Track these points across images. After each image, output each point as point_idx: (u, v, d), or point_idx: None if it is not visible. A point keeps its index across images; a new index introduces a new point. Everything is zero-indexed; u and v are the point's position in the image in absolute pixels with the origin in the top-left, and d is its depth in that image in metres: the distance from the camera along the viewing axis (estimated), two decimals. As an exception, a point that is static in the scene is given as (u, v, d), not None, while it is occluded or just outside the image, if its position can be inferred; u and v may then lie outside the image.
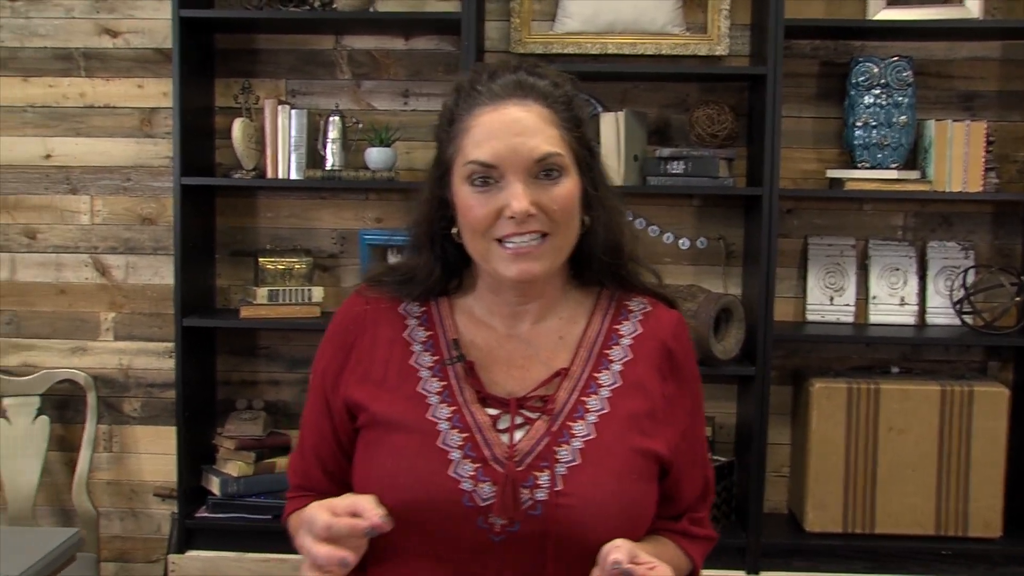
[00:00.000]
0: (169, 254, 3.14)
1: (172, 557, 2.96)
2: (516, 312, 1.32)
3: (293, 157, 2.95)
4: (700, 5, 3.01)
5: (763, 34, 2.82)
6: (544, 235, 1.24)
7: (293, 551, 3.02)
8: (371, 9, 2.97)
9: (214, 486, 2.99)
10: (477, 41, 2.85)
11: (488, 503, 1.21)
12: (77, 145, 3.17)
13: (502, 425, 1.25)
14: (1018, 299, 2.90)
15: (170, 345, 3.16)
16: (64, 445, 3.22)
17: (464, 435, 1.24)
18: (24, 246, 3.20)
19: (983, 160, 2.83)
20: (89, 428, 3.13)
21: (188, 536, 2.99)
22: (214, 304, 3.18)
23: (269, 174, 2.97)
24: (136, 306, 3.21)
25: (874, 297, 3.02)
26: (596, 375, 1.29)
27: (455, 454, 1.23)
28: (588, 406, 1.27)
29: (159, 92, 3.14)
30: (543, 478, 1.21)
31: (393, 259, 2.94)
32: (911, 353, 3.08)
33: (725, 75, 3.00)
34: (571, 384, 1.28)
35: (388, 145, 2.98)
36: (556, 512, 1.20)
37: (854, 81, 2.88)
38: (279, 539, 2.90)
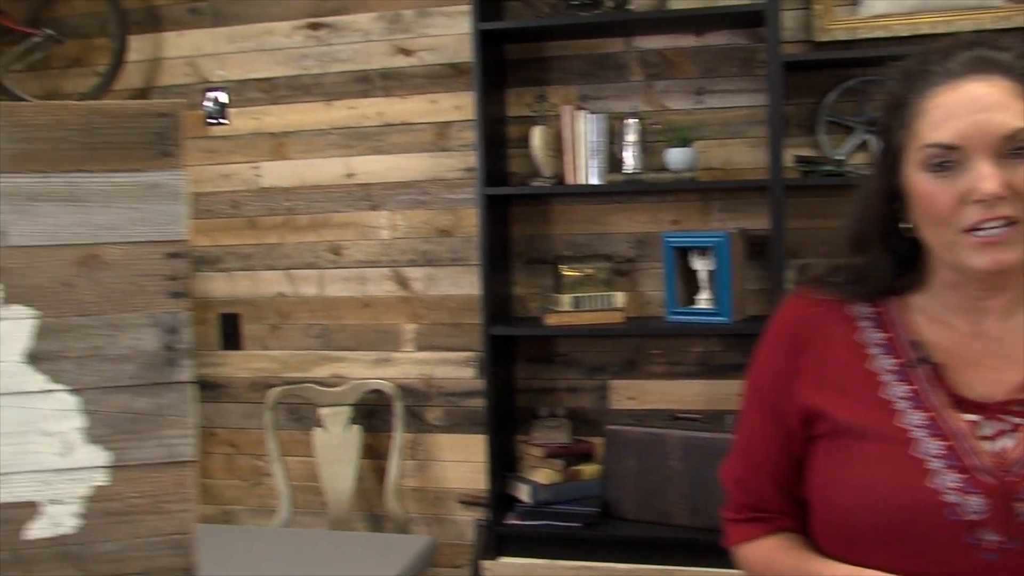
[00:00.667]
0: (466, 264, 3.21)
1: (485, 563, 3.00)
2: (979, 308, 1.21)
3: (593, 162, 2.94)
4: (1024, -26, 2.80)
5: (1104, 0, 2.58)
6: (1013, 222, 1.13)
7: (603, 559, 2.97)
8: (665, 7, 2.92)
9: (523, 493, 3.01)
10: (777, 32, 2.75)
11: (977, 517, 1.11)
12: (377, 162, 3.28)
13: (983, 432, 1.16)
14: None
15: (469, 355, 3.23)
16: (373, 452, 3.34)
17: (943, 443, 1.15)
18: (331, 262, 3.35)
19: None
20: (397, 436, 3.23)
21: (499, 542, 3.02)
22: (513, 312, 3.21)
23: (569, 180, 2.97)
24: (436, 317, 3.28)
25: None
26: None
27: (935, 463, 1.14)
28: None
29: (451, 106, 3.21)
30: None
31: (698, 263, 2.88)
32: None
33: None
34: None
35: (688, 145, 2.92)
36: None
37: None
38: (590, 547, 2.92)
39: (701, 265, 2.89)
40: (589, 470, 3.04)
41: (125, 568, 1.14)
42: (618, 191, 3.02)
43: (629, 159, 2.94)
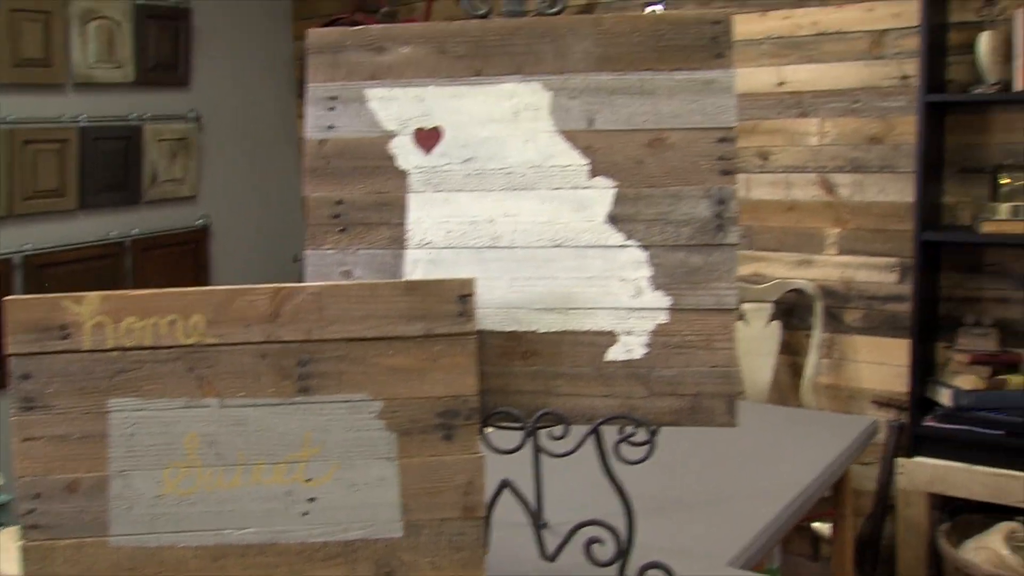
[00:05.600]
0: (895, 172, 3.27)
1: (901, 461, 3.11)
2: None
3: (1045, 68, 2.87)
4: None
5: None
6: None
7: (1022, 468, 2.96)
8: None
9: (943, 397, 3.07)
10: None
11: None
12: (809, 71, 3.40)
13: None
14: None
15: (892, 260, 3.30)
16: (790, 349, 3.52)
17: None
18: (758, 167, 3.53)
19: None
20: (815, 335, 3.39)
21: (915, 443, 3.11)
22: (941, 221, 3.23)
23: (1017, 87, 2.92)
24: (860, 222, 3.37)
25: None
26: None
27: None
28: None
29: (888, 14, 3.24)
30: None
31: None
32: None
33: None
34: None
35: None
36: None
37: None
38: (1011, 455, 2.93)
39: None
40: (1015, 380, 3.04)
41: (681, 390, 1.42)
42: (1071, 98, 2.94)
43: (1088, 64, 2.84)
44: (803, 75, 3.41)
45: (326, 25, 2.45)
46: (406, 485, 1.39)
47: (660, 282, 1.43)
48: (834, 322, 3.46)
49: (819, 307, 3.40)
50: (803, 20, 3.39)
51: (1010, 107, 3.09)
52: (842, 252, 3.42)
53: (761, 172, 3.53)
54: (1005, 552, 2.83)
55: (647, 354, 1.43)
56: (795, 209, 3.49)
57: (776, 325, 3.46)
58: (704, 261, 1.42)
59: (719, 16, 1.45)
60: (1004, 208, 2.96)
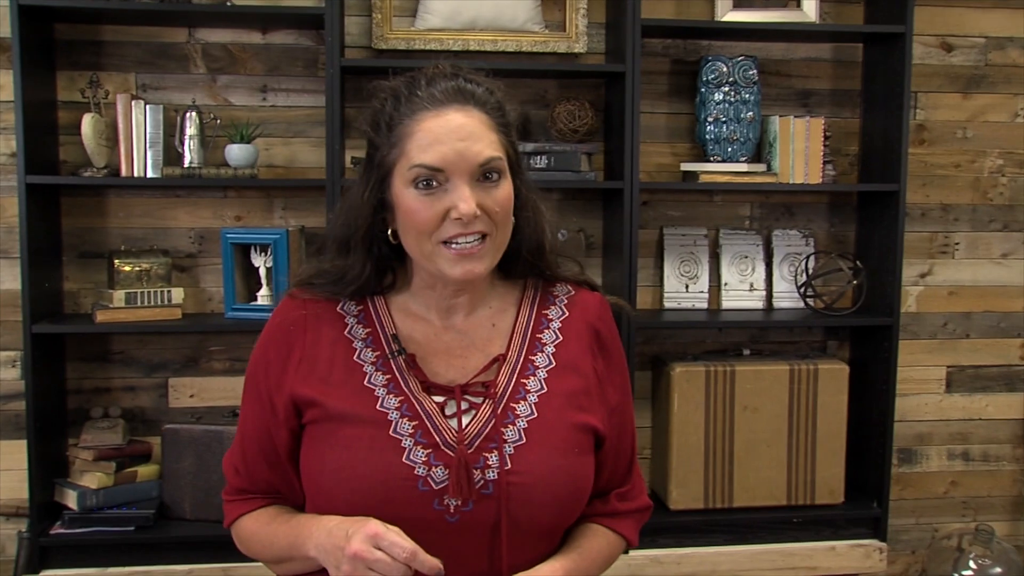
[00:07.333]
0: (8, 257, 2.98)
1: (27, 577, 2.80)
2: (450, 306, 1.37)
3: (149, 154, 2.84)
4: (558, 4, 3.09)
5: (620, 33, 2.92)
6: (484, 236, 1.27)
7: (159, 562, 2.90)
8: (228, 3, 2.89)
9: (70, 500, 2.84)
10: (339, 37, 2.82)
11: (442, 486, 1.25)
12: (-101, 143, 2.95)
13: (449, 411, 1.29)
14: (854, 282, 3.13)
15: (12, 354, 3.01)
16: None
17: (414, 423, 1.27)
18: None
19: (822, 154, 3.04)
20: (-76, 446, 2.93)
21: (42, 554, 2.83)
22: (63, 309, 3.02)
23: (124, 172, 2.85)
24: (-26, 314, 3.01)
25: (726, 284, 3.19)
26: (532, 358, 1.35)
27: (407, 441, 1.26)
28: (528, 387, 1.33)
29: (-8, 86, 2.96)
30: (492, 458, 1.26)
31: (258, 259, 2.89)
32: (759, 335, 3.27)
33: (585, 72, 3.09)
34: (509, 368, 1.34)
35: (248, 142, 2.91)
36: (507, 490, 1.25)
37: (705, 79, 3.02)
38: (144, 550, 2.83)
39: (260, 261, 2.90)
40: (146, 471, 2.93)
41: None
42: (175, 185, 2.95)
43: (188, 153, 2.88)
44: None
45: None
46: None
47: None
48: (-50, 429, 3.02)
49: (-72, 413, 2.94)
50: None
51: (123, 192, 3.01)
52: (-47, 349, 3.02)
53: None
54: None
55: None
56: None
57: None
58: None
59: None
60: (119, 295, 2.85)
